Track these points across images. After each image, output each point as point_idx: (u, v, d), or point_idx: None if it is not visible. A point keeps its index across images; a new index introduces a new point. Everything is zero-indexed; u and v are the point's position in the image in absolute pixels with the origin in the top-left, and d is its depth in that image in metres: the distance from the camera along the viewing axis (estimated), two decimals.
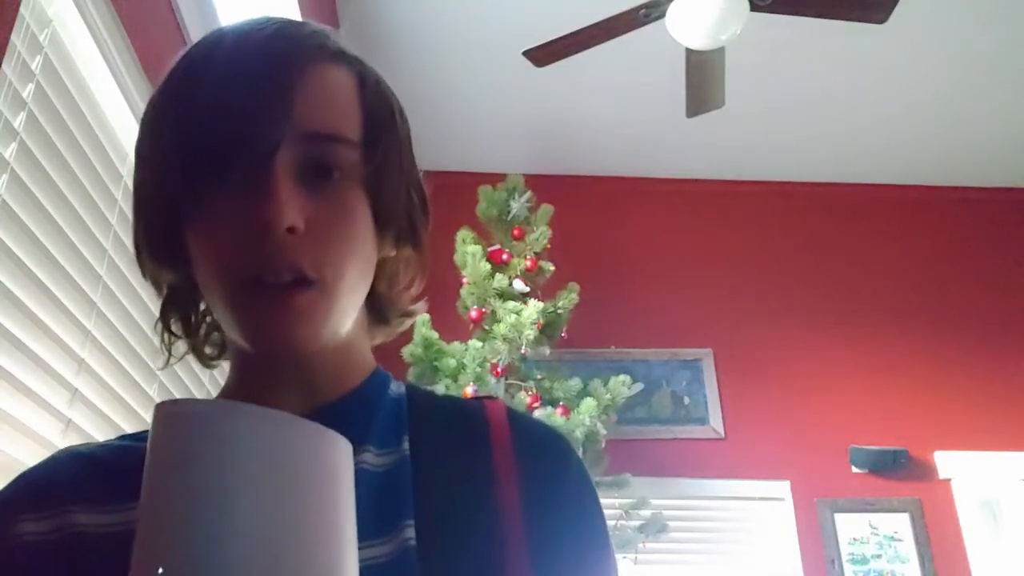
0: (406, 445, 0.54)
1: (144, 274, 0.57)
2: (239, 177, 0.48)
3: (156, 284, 0.58)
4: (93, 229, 1.40)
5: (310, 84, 0.51)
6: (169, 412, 0.37)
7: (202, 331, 0.60)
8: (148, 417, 1.55)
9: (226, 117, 0.48)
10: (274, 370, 0.55)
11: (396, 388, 0.60)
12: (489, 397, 0.62)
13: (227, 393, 0.59)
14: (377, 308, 0.60)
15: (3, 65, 1.13)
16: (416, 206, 0.59)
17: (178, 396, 1.64)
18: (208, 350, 0.61)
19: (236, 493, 0.35)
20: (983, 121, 3.54)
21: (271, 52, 0.51)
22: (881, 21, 2.36)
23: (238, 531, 0.34)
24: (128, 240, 1.53)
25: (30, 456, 1.14)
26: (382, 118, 0.55)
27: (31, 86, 1.21)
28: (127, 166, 1.53)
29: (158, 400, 1.57)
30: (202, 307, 0.59)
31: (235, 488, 0.35)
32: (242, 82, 0.49)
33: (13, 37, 1.16)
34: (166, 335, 0.60)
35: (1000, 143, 3.68)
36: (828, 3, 2.34)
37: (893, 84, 3.33)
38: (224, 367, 0.61)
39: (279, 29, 0.52)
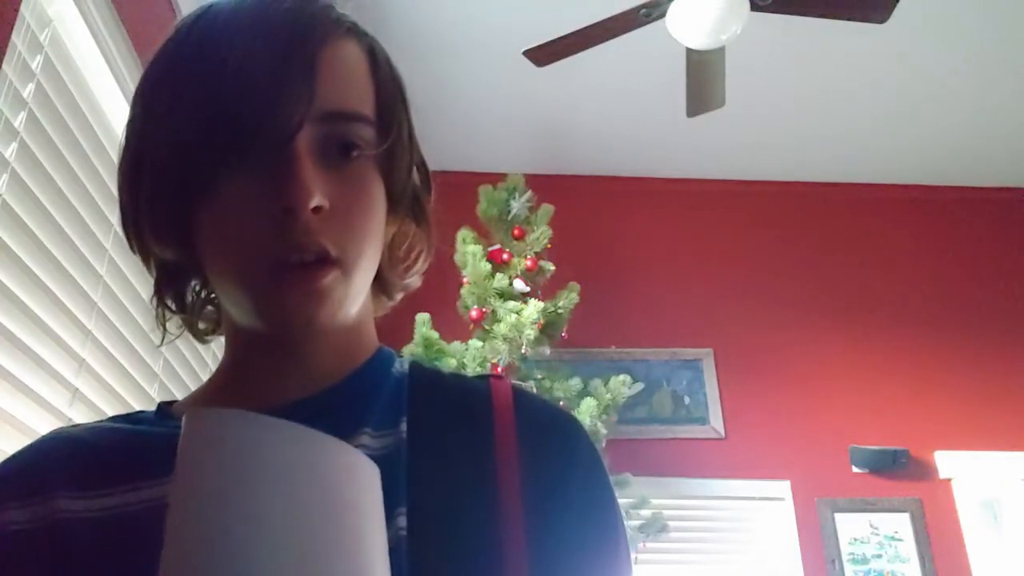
0: (404, 427, 0.52)
1: (134, 249, 0.56)
2: (259, 156, 0.48)
3: (147, 260, 0.56)
4: (93, 229, 1.40)
5: (330, 61, 0.50)
6: (192, 423, 0.36)
7: (195, 306, 0.59)
8: None
9: (249, 95, 0.47)
10: (278, 350, 0.54)
11: (400, 367, 0.58)
12: (497, 376, 0.59)
13: (224, 373, 0.58)
14: (380, 283, 0.59)
15: (4, 65, 1.13)
16: (421, 181, 0.59)
17: (178, 395, 1.64)
18: (202, 325, 0.59)
19: (252, 508, 0.34)
20: (983, 121, 3.54)
21: (292, 28, 0.50)
22: (881, 21, 2.36)
23: (254, 547, 0.33)
24: None
25: None
26: (393, 95, 0.55)
27: (31, 86, 1.21)
28: None
29: (157, 399, 1.57)
30: (194, 283, 0.58)
31: (251, 504, 0.34)
32: (264, 59, 0.48)
33: (14, 37, 1.16)
34: (161, 311, 0.58)
35: (1000, 143, 3.68)
36: (828, 3, 2.34)
37: (893, 84, 3.33)
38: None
39: (295, 2, 0.52)
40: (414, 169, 0.58)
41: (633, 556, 2.74)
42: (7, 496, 0.51)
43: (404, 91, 0.57)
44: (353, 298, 0.52)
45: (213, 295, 0.58)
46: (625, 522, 0.56)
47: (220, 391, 0.57)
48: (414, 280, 0.62)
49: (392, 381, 0.57)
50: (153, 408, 0.59)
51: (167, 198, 0.50)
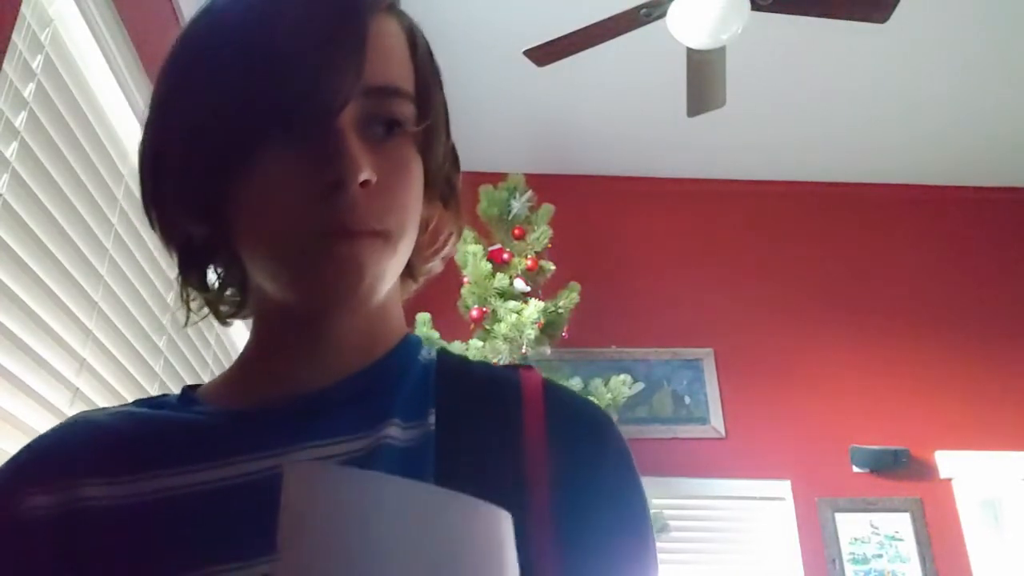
0: (432, 419, 0.51)
1: (154, 225, 0.54)
2: (303, 129, 0.47)
3: (170, 237, 0.55)
4: (94, 228, 1.40)
5: (376, 36, 0.50)
6: (303, 475, 0.34)
7: (218, 287, 0.57)
8: None
9: (297, 66, 0.47)
10: (308, 329, 0.53)
11: (427, 354, 0.58)
12: (526, 366, 0.58)
13: (248, 358, 0.57)
14: (408, 265, 0.58)
15: (4, 64, 1.13)
16: (451, 165, 0.59)
17: None
18: (224, 308, 0.58)
19: (378, 564, 0.32)
20: (983, 121, 3.54)
21: (339, 0, 0.50)
22: (882, 21, 2.36)
23: None
24: (130, 241, 1.53)
25: None
26: (432, 73, 0.55)
27: (32, 85, 1.21)
28: (128, 165, 1.53)
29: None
30: (214, 264, 0.57)
31: (377, 560, 0.32)
32: (313, 29, 0.48)
33: (14, 36, 1.16)
34: (186, 290, 0.57)
35: (1000, 143, 3.68)
36: (829, 3, 2.34)
37: (893, 84, 3.33)
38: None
39: None
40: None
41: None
42: (32, 481, 0.50)
43: (440, 72, 0.57)
44: (392, 274, 0.52)
45: (236, 278, 0.57)
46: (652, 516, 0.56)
47: (248, 374, 0.57)
48: (437, 264, 0.62)
49: (419, 368, 0.56)
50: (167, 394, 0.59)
51: (203, 168, 0.49)
